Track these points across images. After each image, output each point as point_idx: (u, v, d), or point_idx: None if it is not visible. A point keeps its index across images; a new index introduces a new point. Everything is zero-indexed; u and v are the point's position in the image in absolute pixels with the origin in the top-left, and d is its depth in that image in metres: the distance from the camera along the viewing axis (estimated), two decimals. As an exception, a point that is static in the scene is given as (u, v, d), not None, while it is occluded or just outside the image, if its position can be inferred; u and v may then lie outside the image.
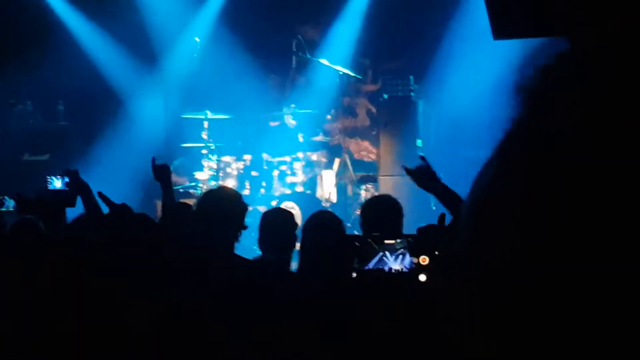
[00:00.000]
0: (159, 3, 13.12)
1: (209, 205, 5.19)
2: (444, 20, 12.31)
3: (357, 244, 4.96)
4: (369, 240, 4.80)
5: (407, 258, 4.65)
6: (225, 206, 5.11)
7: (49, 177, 6.77)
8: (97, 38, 13.20)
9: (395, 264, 4.72)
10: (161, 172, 6.02)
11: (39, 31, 12.91)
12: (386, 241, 4.81)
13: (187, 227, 5.20)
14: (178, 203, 6.75)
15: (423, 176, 5.19)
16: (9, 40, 12.77)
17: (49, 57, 12.47)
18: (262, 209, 10.51)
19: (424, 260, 4.46)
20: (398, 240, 4.75)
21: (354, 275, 4.74)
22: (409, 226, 5.49)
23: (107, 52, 13.17)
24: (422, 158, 5.28)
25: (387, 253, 4.81)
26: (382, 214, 5.38)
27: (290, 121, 12.07)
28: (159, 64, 13.18)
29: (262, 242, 5.25)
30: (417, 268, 4.48)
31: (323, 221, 5.11)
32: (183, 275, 4.37)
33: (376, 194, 11.45)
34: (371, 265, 4.78)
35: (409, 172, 5.27)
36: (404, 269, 4.61)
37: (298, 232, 5.29)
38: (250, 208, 5.30)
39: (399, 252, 4.75)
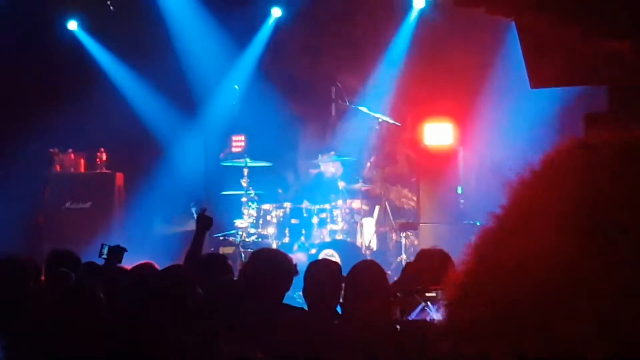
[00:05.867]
0: (199, 52, 13.25)
1: (257, 271, 5.12)
2: (484, 68, 12.27)
3: (398, 294, 4.87)
4: (412, 291, 4.73)
5: None
6: (273, 273, 5.04)
7: None
8: (138, 86, 13.35)
9: (437, 314, 4.61)
10: (203, 223, 6.06)
11: (81, 80, 13.08)
12: (427, 294, 4.72)
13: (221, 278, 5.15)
14: (211, 254, 6.77)
15: None
16: (51, 89, 12.94)
17: (91, 106, 12.63)
18: (302, 256, 10.47)
19: None
20: (440, 291, 4.66)
21: (398, 327, 4.63)
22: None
23: (148, 100, 13.30)
24: None
25: (429, 303, 4.71)
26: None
27: (330, 169, 12.06)
28: (199, 112, 13.27)
29: (308, 293, 5.12)
30: None
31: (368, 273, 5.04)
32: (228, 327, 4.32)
33: (416, 241, 11.36)
34: (413, 315, 4.69)
35: None
36: None
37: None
38: (293, 261, 5.18)
39: (442, 302, 4.65)
